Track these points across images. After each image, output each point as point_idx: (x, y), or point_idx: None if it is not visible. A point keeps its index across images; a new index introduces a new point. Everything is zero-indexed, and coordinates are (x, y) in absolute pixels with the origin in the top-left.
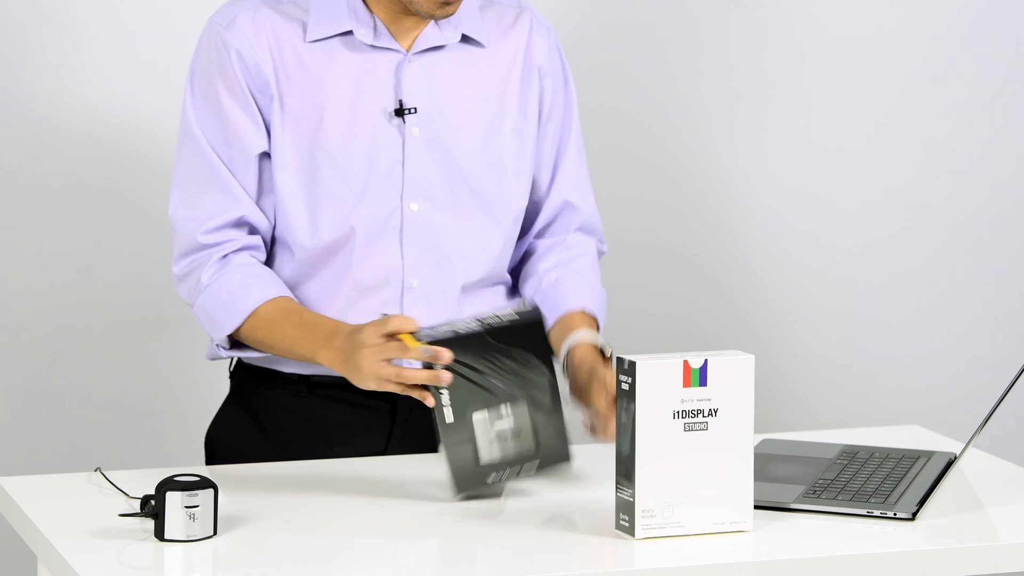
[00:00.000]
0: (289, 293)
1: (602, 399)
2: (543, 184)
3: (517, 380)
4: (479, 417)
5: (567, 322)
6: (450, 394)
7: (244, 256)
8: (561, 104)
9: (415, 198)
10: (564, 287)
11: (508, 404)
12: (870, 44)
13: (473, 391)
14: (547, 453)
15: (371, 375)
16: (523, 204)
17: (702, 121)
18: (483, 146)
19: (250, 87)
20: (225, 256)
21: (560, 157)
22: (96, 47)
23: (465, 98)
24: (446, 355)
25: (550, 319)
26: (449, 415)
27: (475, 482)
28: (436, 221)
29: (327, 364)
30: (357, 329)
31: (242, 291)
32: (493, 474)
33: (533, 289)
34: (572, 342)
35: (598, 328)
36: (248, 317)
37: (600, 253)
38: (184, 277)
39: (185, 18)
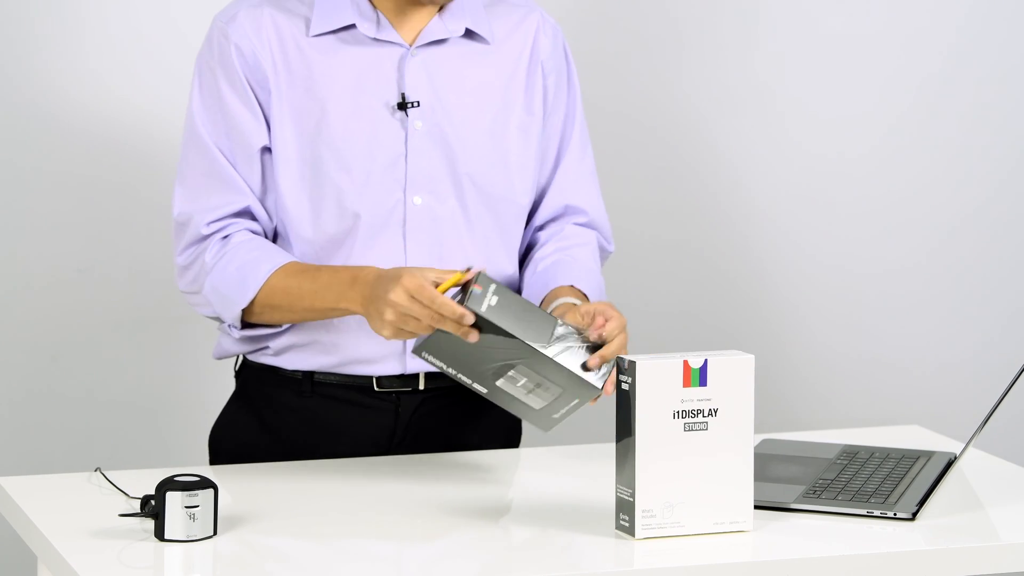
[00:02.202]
0: (293, 257)
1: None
2: (543, 182)
3: (497, 349)
4: (500, 383)
5: (551, 296)
6: (464, 377)
7: (244, 233)
8: (563, 102)
9: (418, 192)
10: (557, 269)
11: (511, 368)
12: (874, 44)
13: (481, 369)
14: (576, 390)
15: (390, 336)
16: (526, 201)
17: (706, 120)
18: (487, 141)
19: (250, 81)
20: (226, 237)
21: (561, 155)
22: (98, 46)
23: (468, 93)
24: (469, 327)
25: (538, 298)
26: (480, 389)
27: (549, 422)
28: (439, 215)
29: (350, 305)
30: (385, 283)
31: (251, 264)
32: (555, 415)
33: (529, 274)
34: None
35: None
36: (262, 287)
37: (604, 251)
38: (188, 266)
39: (187, 17)
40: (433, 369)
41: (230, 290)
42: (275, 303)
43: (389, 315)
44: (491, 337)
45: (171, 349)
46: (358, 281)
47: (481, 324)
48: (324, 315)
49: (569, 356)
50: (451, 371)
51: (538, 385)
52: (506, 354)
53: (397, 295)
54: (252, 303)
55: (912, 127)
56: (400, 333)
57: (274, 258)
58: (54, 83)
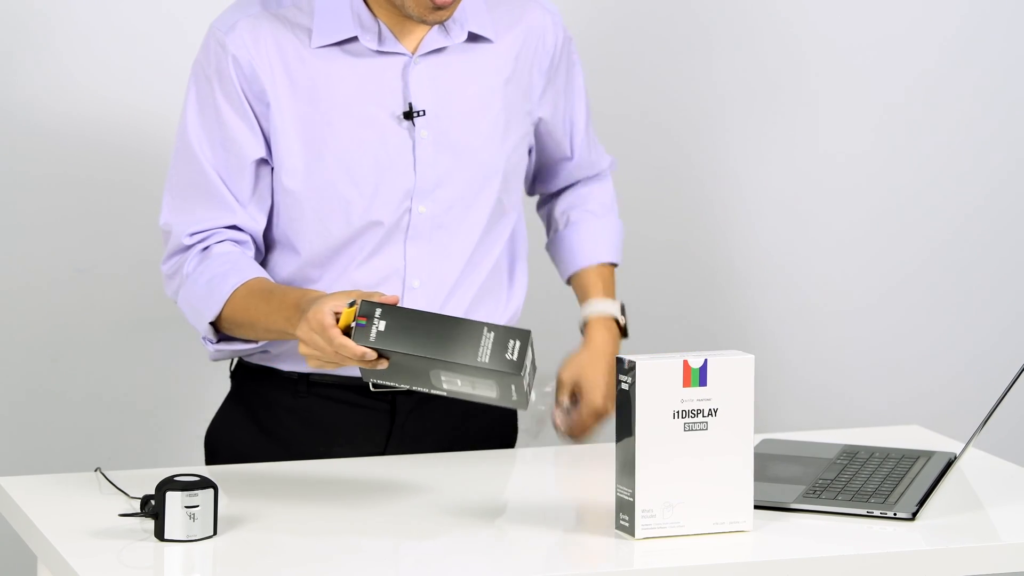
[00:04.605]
0: (265, 274)
1: (588, 415)
2: (559, 155)
3: (419, 360)
4: (447, 385)
5: (582, 284)
6: (406, 385)
7: (225, 245)
8: (574, 87)
9: (423, 200)
10: (578, 234)
11: (440, 374)
12: (871, 48)
13: (417, 375)
14: (505, 380)
15: (312, 366)
16: (519, 195)
17: (705, 124)
18: (489, 143)
19: (247, 93)
20: (206, 248)
21: (575, 138)
22: (96, 46)
23: (472, 97)
24: (380, 365)
25: (567, 269)
26: (440, 392)
27: (517, 403)
28: (443, 223)
29: (295, 331)
30: (300, 315)
31: (219, 277)
32: (513, 397)
33: (551, 235)
34: (587, 313)
35: (613, 273)
36: (226, 302)
37: (611, 168)
38: (172, 275)
39: (185, 17)
40: None
41: (199, 302)
42: (238, 320)
43: (301, 348)
44: (400, 356)
45: (171, 349)
46: (299, 307)
47: (380, 351)
48: (279, 337)
49: (484, 349)
50: (404, 386)
51: (473, 384)
52: (424, 365)
53: (303, 331)
54: (219, 318)
55: (913, 128)
56: (319, 364)
57: (243, 272)
58: (52, 83)
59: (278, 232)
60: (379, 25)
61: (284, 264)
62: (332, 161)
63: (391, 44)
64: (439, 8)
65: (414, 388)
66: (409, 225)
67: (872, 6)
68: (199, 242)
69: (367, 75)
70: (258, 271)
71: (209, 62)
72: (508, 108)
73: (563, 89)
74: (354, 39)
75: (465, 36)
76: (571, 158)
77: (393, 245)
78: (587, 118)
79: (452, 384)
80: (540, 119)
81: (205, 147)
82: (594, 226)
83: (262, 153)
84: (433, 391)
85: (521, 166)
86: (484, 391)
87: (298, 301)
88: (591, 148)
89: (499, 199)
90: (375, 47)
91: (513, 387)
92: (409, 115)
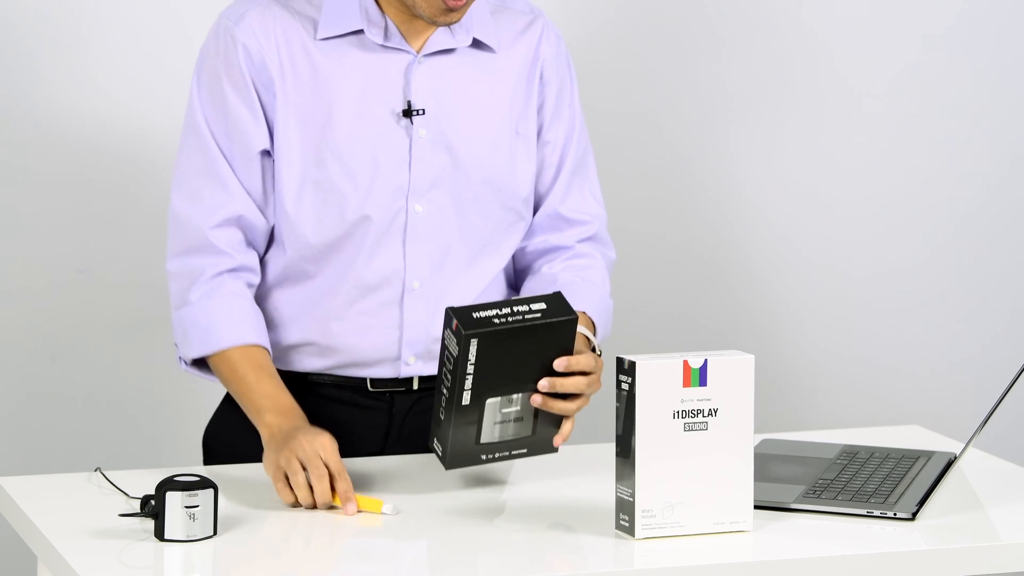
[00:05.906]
0: (266, 341)
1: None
2: (543, 190)
3: (533, 369)
4: (492, 402)
5: None
6: (473, 380)
7: (239, 285)
8: (565, 111)
9: (420, 199)
10: (572, 290)
11: (523, 389)
12: (872, 44)
13: (496, 380)
14: (538, 441)
15: (277, 485)
16: (527, 211)
17: (703, 121)
18: (489, 150)
19: (255, 83)
20: (219, 274)
21: (563, 164)
22: (97, 47)
23: (473, 102)
24: (351, 510)
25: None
26: (467, 398)
27: (467, 461)
28: (440, 223)
29: (259, 429)
30: (294, 443)
31: (221, 325)
32: (484, 456)
33: (540, 288)
34: None
35: (595, 332)
36: (218, 353)
37: (609, 260)
38: (177, 276)
39: (189, 18)
40: (427, 373)
41: (193, 335)
42: (221, 374)
43: (284, 460)
44: (532, 354)
45: (171, 349)
46: (276, 420)
47: (553, 337)
48: (247, 411)
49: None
50: (464, 393)
51: (518, 420)
52: (531, 372)
53: (295, 461)
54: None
55: (909, 130)
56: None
57: (244, 333)
58: (53, 83)
59: (276, 226)
60: (386, 21)
61: (278, 257)
62: (329, 154)
63: (397, 41)
64: (451, 10)
65: (457, 396)
66: (407, 224)
67: (874, 4)
68: (218, 254)
69: (370, 70)
70: (259, 335)
71: (218, 53)
72: (510, 118)
73: (557, 111)
74: (359, 32)
75: (470, 41)
76: (551, 189)
77: (392, 245)
78: (584, 153)
79: (502, 406)
80: (539, 133)
81: (218, 133)
82: (588, 291)
83: (266, 144)
84: (458, 409)
85: (527, 177)
86: (498, 432)
87: (272, 419)
88: (588, 195)
89: (505, 207)
90: (380, 41)
91: (522, 451)
92: (408, 113)
